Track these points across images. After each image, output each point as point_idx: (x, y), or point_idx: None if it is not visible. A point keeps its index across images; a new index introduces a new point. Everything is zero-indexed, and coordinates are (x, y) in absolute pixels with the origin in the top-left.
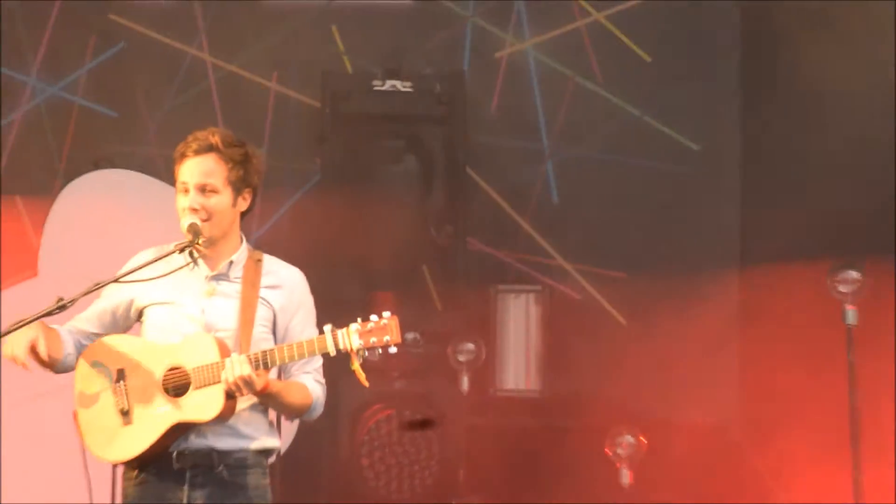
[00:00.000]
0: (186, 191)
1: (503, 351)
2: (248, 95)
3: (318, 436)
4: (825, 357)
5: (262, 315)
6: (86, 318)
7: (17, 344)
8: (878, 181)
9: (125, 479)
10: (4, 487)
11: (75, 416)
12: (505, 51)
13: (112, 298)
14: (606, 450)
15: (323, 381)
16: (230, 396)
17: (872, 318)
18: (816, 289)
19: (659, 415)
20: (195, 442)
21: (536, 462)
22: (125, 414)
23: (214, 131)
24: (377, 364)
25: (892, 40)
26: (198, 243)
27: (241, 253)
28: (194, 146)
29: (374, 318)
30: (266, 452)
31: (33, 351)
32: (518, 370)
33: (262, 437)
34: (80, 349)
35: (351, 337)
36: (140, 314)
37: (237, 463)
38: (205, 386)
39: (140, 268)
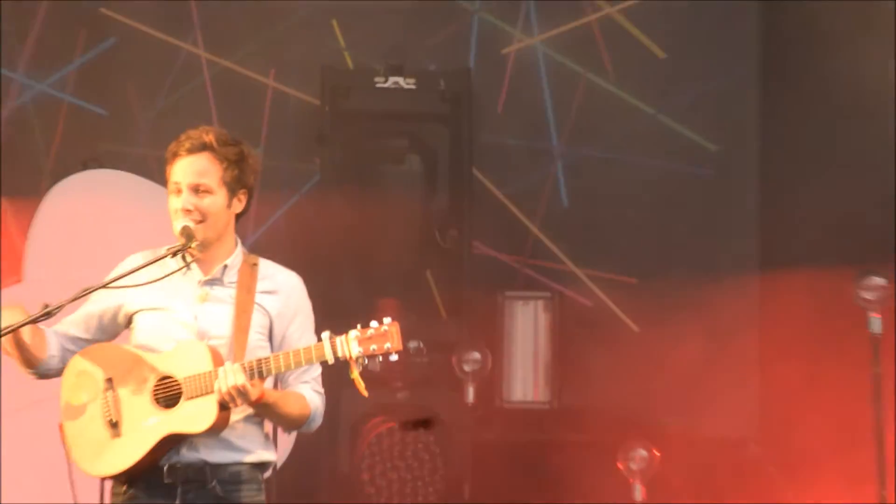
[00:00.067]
0: (179, 191)
1: (510, 360)
2: (244, 93)
3: (316, 449)
4: (848, 367)
5: (257, 322)
6: (71, 322)
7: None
8: None
9: (113, 494)
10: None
11: (61, 428)
12: (513, 46)
13: (100, 303)
14: (619, 464)
15: (322, 390)
16: (224, 407)
17: None
18: (839, 296)
19: (673, 427)
20: (187, 455)
21: (545, 477)
22: (114, 426)
23: (208, 130)
24: (379, 374)
25: None
26: (191, 247)
27: (236, 257)
28: (187, 145)
29: (374, 324)
30: (261, 466)
31: (17, 344)
32: (526, 381)
33: (258, 450)
34: (64, 353)
35: (350, 344)
36: (129, 320)
37: (231, 478)
38: (197, 396)
39: (131, 272)
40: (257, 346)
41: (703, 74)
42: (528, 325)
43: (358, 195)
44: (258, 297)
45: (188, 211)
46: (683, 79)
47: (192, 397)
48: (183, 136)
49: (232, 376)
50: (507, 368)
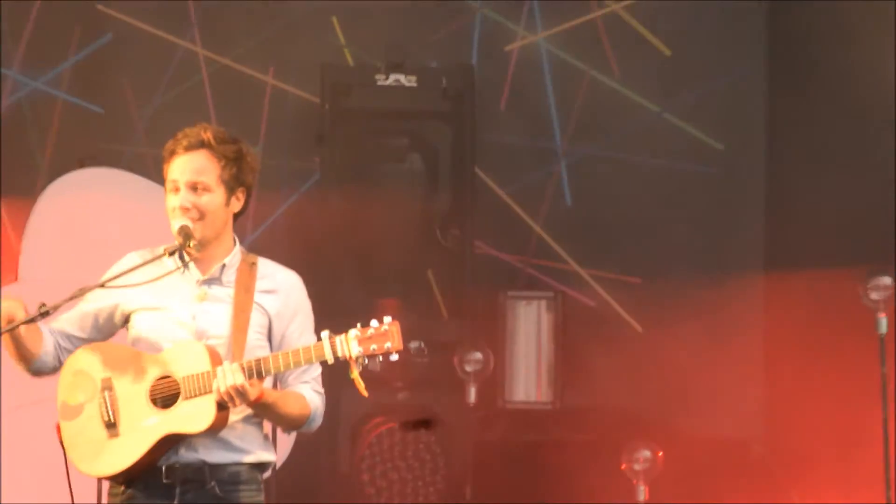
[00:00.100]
0: (177, 189)
1: (513, 361)
2: (242, 90)
3: (316, 449)
4: (855, 368)
5: (256, 321)
6: (67, 320)
7: None
8: None
9: (111, 494)
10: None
11: (58, 428)
12: (516, 43)
13: (96, 302)
14: (622, 465)
15: (322, 390)
16: (222, 407)
17: None
18: (846, 296)
19: (678, 428)
20: (185, 455)
21: (547, 478)
22: (111, 426)
23: (206, 127)
24: (379, 374)
25: None
26: (189, 246)
27: (235, 256)
28: (184, 143)
29: (374, 323)
30: (261, 467)
31: (13, 338)
32: (528, 381)
33: (257, 450)
34: (59, 350)
35: (350, 344)
36: (127, 319)
37: (230, 478)
38: (195, 396)
39: (128, 272)
40: (256, 345)
41: (709, 72)
42: (530, 326)
43: (358, 194)
44: (257, 297)
45: (186, 209)
46: (689, 77)
47: (190, 397)
48: (180, 134)
49: (230, 376)
50: (510, 369)
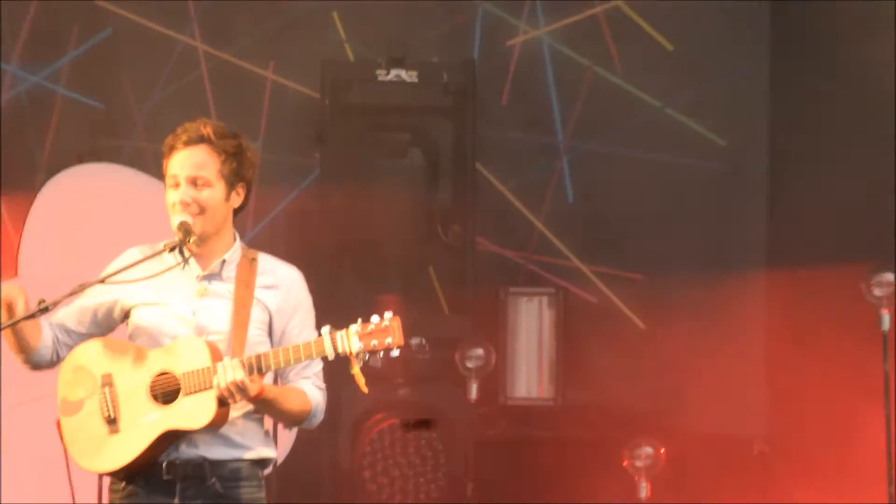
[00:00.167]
0: (177, 185)
1: (514, 357)
2: (242, 86)
3: (317, 446)
4: (858, 365)
5: (257, 317)
6: (66, 314)
7: None
8: None
9: (112, 490)
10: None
11: (58, 424)
12: (517, 38)
13: (95, 297)
14: (624, 462)
15: (323, 386)
16: (223, 403)
17: None
18: (849, 292)
19: (679, 425)
20: (186, 452)
21: (549, 475)
22: (111, 422)
23: (206, 122)
24: (381, 371)
25: None
26: (189, 242)
27: (235, 251)
28: (184, 137)
29: (374, 319)
30: (261, 463)
31: (9, 311)
32: (530, 377)
33: (258, 446)
34: (57, 344)
35: (350, 339)
36: (126, 315)
37: (231, 475)
38: (195, 392)
39: (127, 267)
40: (257, 341)
41: (712, 67)
42: (532, 322)
43: (359, 191)
44: (257, 292)
45: (186, 204)
46: (692, 72)
47: (190, 393)
48: (180, 129)
49: (231, 372)
50: (511, 365)
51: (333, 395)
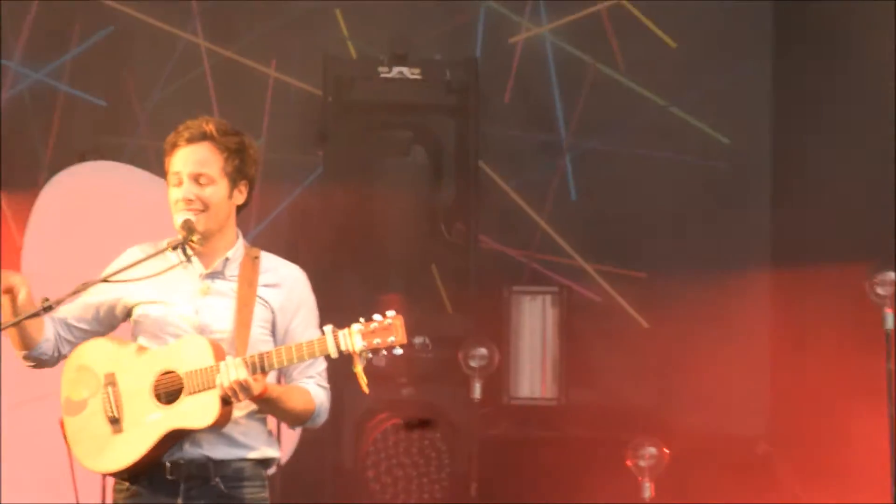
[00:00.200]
0: (180, 182)
1: (518, 356)
2: (245, 83)
3: (320, 445)
4: (860, 364)
5: (260, 315)
6: (68, 310)
7: None
8: None
9: (115, 490)
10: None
11: (62, 424)
12: (520, 36)
13: (98, 295)
14: (627, 462)
15: (327, 385)
16: (226, 402)
17: None
18: (853, 291)
19: (683, 425)
20: (190, 451)
21: (553, 475)
22: (115, 422)
23: (208, 119)
24: (384, 370)
25: None
26: (192, 240)
27: (238, 250)
28: (186, 135)
29: (377, 317)
30: (265, 463)
31: (10, 296)
32: (533, 377)
33: (261, 446)
34: (58, 340)
35: (353, 338)
36: (129, 313)
37: (234, 474)
38: (199, 391)
39: (130, 266)
40: (260, 340)
41: (716, 65)
42: (535, 321)
43: (361, 189)
44: (260, 291)
45: (189, 201)
46: (695, 70)
47: (193, 392)
48: (182, 127)
49: (234, 371)
50: (514, 364)
51: (337, 394)
